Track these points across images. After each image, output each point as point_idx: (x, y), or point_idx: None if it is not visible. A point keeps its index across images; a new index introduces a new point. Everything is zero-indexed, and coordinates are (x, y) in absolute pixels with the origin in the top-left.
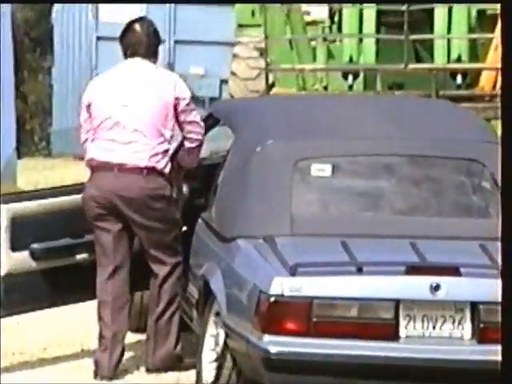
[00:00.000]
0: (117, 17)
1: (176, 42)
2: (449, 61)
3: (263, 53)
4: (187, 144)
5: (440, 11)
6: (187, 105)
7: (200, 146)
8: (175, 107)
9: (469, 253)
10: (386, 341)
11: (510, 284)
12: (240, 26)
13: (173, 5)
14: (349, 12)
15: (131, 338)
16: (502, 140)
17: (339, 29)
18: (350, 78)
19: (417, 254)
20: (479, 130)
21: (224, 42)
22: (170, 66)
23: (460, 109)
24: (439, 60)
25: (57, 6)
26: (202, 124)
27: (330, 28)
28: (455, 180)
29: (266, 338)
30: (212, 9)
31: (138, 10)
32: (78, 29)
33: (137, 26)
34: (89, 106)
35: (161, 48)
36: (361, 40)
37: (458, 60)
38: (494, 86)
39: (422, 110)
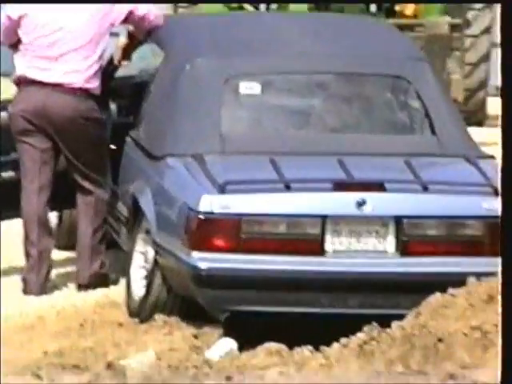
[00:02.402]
0: None
1: None
2: None
3: None
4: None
5: None
6: (129, 10)
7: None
8: (118, 17)
9: (394, 169)
10: (313, 255)
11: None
12: None
13: None
14: None
15: (60, 255)
16: (503, 141)
17: None
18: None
19: (344, 171)
20: (405, 47)
21: None
22: None
23: (386, 25)
24: None
25: None
26: (155, 10)
27: None
28: (382, 97)
29: (196, 254)
30: None
31: None
32: None
33: None
34: (20, 19)
35: None
36: None
37: None
38: (415, 15)
39: (349, 27)
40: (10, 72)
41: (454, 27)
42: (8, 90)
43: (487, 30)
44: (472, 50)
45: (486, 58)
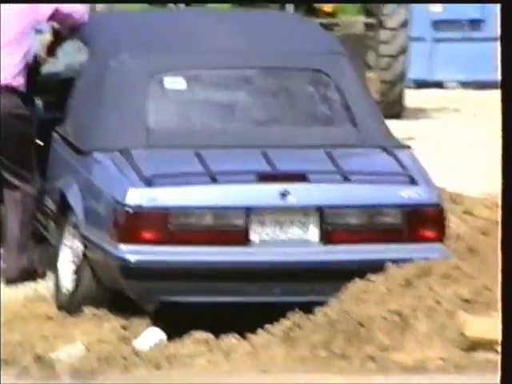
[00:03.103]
0: None
1: None
2: None
3: None
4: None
5: None
6: (55, 8)
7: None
8: (42, 15)
9: (316, 160)
10: (239, 246)
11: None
12: None
13: None
14: None
15: None
16: (503, 141)
17: None
18: None
19: (267, 163)
20: (325, 42)
21: None
22: None
23: (307, 21)
24: None
25: None
26: (79, 7)
27: None
28: (303, 90)
29: (124, 247)
30: None
31: None
32: None
33: None
34: None
35: None
36: None
37: None
38: (333, 13)
39: (272, 23)
40: None
41: (368, 26)
42: None
43: (404, 24)
44: (390, 42)
45: (403, 50)
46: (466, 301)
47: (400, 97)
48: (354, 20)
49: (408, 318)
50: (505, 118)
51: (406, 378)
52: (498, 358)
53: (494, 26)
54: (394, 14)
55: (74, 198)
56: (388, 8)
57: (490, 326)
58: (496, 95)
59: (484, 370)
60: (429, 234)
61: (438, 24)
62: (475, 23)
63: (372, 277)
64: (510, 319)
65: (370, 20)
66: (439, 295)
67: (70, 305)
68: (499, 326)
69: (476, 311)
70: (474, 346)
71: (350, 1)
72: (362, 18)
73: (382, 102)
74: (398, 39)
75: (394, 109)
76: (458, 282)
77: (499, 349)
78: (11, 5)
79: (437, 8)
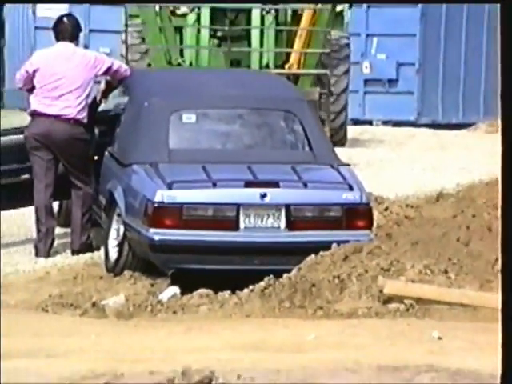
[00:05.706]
0: (48, 12)
1: (90, 30)
2: (261, 67)
3: (144, 37)
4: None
5: (255, 31)
6: (108, 66)
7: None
8: (100, 70)
9: (285, 172)
10: (231, 231)
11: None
12: (130, 16)
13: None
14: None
15: (60, 230)
16: (503, 139)
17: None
18: None
19: (252, 174)
20: (291, 92)
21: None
22: (86, 47)
23: (280, 78)
24: (254, 65)
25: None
26: (124, 65)
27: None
28: (277, 124)
29: (152, 230)
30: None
31: (62, 8)
32: (21, 20)
33: (65, 19)
34: (34, 72)
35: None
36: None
37: (267, 66)
38: (299, 66)
39: (256, 78)
40: (26, 107)
41: (321, 95)
42: (24, 120)
43: (346, 72)
44: (336, 85)
45: (345, 108)
46: (384, 269)
47: (344, 133)
48: (312, 90)
49: (345, 281)
50: (505, 121)
51: (343, 322)
52: (404, 307)
53: (406, 84)
54: (338, 82)
55: (119, 196)
56: (333, 79)
57: (400, 287)
58: (407, 131)
59: (395, 317)
60: (361, 224)
61: (367, 81)
62: (392, 81)
63: (322, 253)
64: (510, 320)
65: (323, 91)
66: (367, 265)
67: (114, 269)
68: (406, 287)
69: (390, 277)
70: (389, 299)
71: (348, 1)
72: (318, 89)
73: (332, 137)
74: (341, 101)
75: (341, 140)
76: (379, 257)
77: (406, 302)
78: (77, 62)
79: (367, 70)
